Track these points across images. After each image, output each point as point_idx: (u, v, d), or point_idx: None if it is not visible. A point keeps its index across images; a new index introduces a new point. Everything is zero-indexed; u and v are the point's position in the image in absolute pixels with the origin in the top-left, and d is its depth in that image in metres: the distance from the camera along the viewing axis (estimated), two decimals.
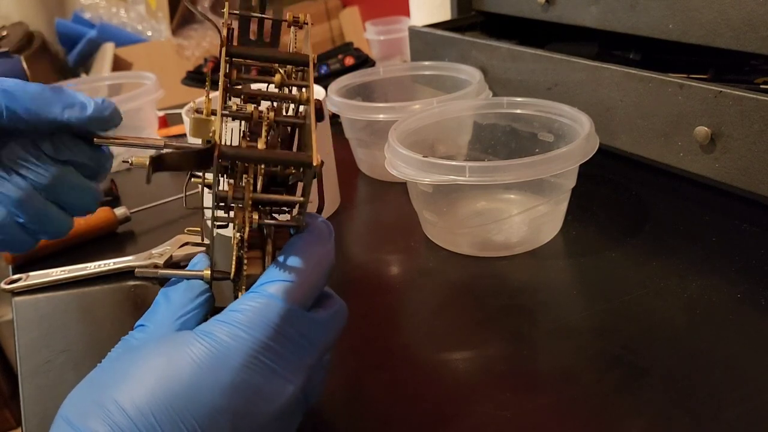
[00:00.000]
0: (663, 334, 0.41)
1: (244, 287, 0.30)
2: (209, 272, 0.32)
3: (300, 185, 0.31)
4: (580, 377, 0.38)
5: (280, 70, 0.32)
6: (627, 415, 0.35)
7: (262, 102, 0.32)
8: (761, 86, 0.57)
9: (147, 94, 0.76)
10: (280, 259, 0.30)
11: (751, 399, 0.35)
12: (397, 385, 0.39)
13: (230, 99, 0.31)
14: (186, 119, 0.56)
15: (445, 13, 0.88)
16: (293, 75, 0.33)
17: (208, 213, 0.32)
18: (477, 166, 0.46)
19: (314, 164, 0.28)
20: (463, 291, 0.48)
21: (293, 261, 0.30)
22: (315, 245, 0.31)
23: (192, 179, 0.34)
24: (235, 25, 0.31)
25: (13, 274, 0.55)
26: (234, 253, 0.31)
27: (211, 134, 0.31)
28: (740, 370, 0.37)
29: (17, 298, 0.53)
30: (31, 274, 0.54)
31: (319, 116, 0.30)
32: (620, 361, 0.39)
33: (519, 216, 0.52)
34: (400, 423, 0.37)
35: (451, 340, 0.43)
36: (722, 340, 0.40)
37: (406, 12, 1.02)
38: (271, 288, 0.28)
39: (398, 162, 0.50)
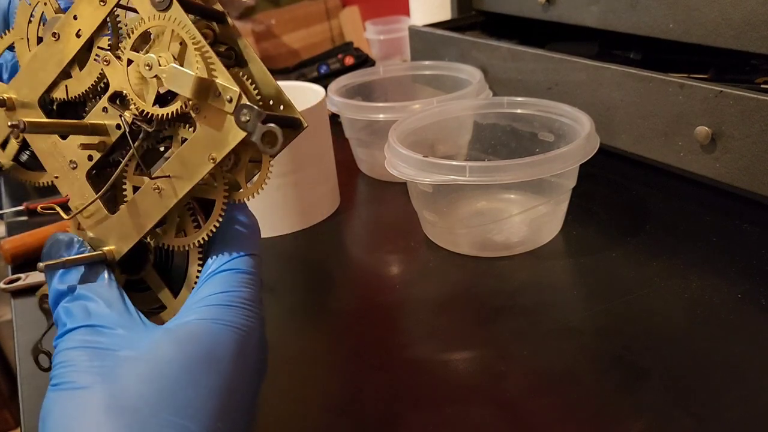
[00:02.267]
0: (664, 334, 0.41)
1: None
2: (108, 250, 0.28)
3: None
4: (580, 377, 0.38)
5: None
6: (627, 415, 0.35)
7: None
8: (762, 86, 0.57)
9: None
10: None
11: (752, 399, 0.35)
12: (397, 385, 0.39)
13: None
14: None
15: (445, 13, 0.88)
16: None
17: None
18: (477, 166, 0.46)
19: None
20: (463, 291, 0.48)
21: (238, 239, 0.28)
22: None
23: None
24: None
25: (13, 274, 0.55)
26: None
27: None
28: (741, 370, 0.37)
29: (16, 299, 0.53)
30: (31, 274, 0.54)
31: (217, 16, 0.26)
32: (621, 361, 0.39)
33: (519, 216, 0.52)
34: (400, 423, 0.37)
35: (451, 340, 0.43)
36: (723, 340, 0.40)
37: (406, 12, 1.02)
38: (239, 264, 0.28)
39: (398, 162, 0.50)
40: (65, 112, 0.29)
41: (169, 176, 0.26)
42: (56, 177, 0.28)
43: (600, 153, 0.50)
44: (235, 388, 0.25)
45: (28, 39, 0.28)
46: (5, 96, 0.28)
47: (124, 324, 0.25)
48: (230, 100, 0.25)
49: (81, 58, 0.28)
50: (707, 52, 0.55)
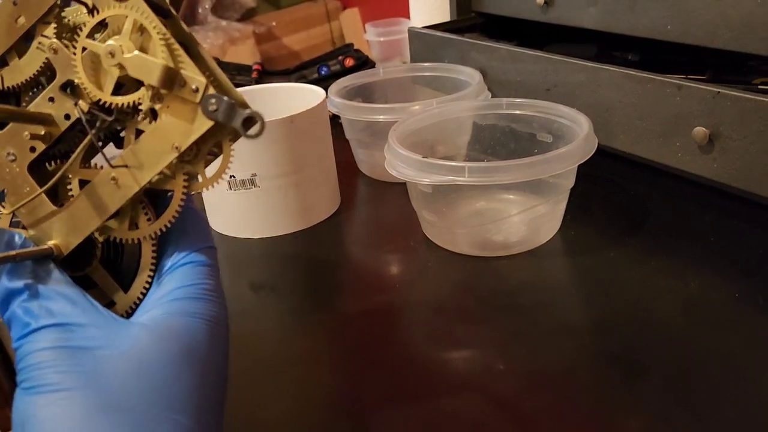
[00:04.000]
0: (662, 333, 0.41)
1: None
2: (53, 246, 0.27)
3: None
4: (579, 376, 0.39)
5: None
6: (626, 414, 0.35)
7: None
8: (759, 87, 0.57)
9: None
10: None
11: (750, 397, 0.35)
12: (396, 385, 0.40)
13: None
14: None
15: (444, 15, 0.88)
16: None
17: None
18: (476, 167, 0.47)
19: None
20: (462, 291, 0.48)
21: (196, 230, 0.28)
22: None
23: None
24: None
25: None
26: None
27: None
28: (739, 369, 0.38)
29: None
30: None
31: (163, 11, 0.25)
32: (619, 360, 0.39)
33: (518, 216, 0.52)
34: (400, 423, 0.37)
35: (451, 339, 0.43)
36: (721, 339, 0.40)
37: (406, 13, 1.02)
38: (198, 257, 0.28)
39: (398, 163, 0.50)
40: None
41: (127, 166, 0.25)
42: None
43: (598, 153, 0.50)
44: (213, 379, 0.25)
45: None
46: None
47: (93, 321, 0.24)
48: (196, 90, 0.24)
49: (19, 47, 0.26)
50: (705, 54, 0.55)
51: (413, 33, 0.83)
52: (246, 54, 1.90)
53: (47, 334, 0.24)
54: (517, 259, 0.51)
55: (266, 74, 0.91)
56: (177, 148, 0.25)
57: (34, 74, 0.26)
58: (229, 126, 0.24)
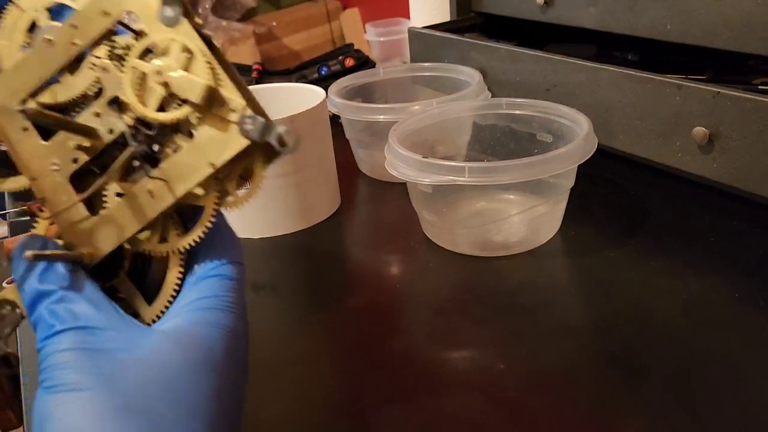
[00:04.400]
0: (662, 333, 0.41)
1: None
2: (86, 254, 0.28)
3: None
4: (579, 376, 0.39)
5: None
6: (627, 415, 0.35)
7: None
8: (759, 87, 0.57)
9: None
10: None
11: (750, 398, 0.35)
12: (397, 386, 0.40)
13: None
14: None
15: (444, 15, 0.88)
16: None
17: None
18: (476, 167, 0.47)
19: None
20: (462, 291, 0.49)
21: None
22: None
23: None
24: None
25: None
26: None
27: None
28: (739, 370, 0.38)
29: None
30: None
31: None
32: (619, 361, 0.39)
33: (518, 216, 0.52)
34: (400, 423, 0.37)
35: (451, 339, 0.43)
36: (721, 340, 0.40)
37: (406, 14, 1.02)
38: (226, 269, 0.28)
39: (398, 163, 0.50)
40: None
41: (163, 179, 0.26)
42: (33, 179, 0.28)
43: (598, 153, 0.50)
44: (229, 389, 0.26)
45: (16, 44, 0.29)
46: None
47: (115, 325, 0.25)
48: (234, 110, 0.26)
49: (73, 65, 0.28)
50: (705, 54, 0.55)
51: (413, 33, 0.83)
52: (246, 54, 1.90)
53: (69, 336, 0.24)
54: (517, 259, 0.51)
55: (266, 74, 0.91)
56: (212, 164, 0.26)
57: (84, 91, 0.28)
58: (263, 143, 0.25)
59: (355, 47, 0.96)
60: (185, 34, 0.26)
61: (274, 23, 2.12)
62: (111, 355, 0.24)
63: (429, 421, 0.36)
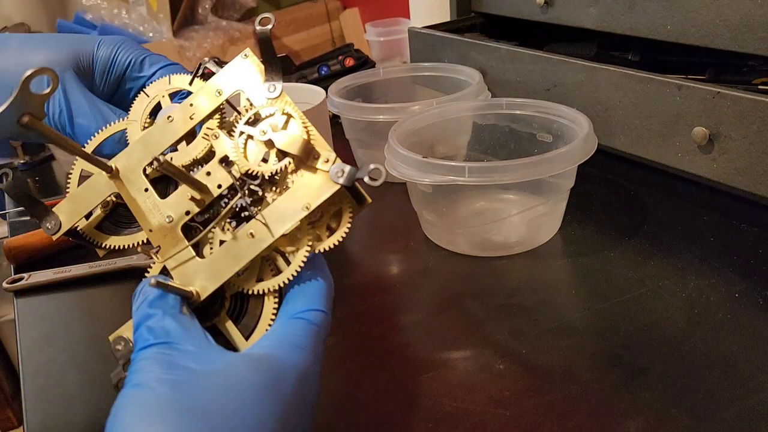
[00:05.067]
0: (661, 333, 0.41)
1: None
2: (196, 293, 0.31)
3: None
4: (579, 376, 0.39)
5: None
6: (626, 414, 0.35)
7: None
8: (759, 87, 0.57)
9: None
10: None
11: (749, 398, 0.36)
12: (397, 385, 0.40)
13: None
14: None
15: (444, 15, 0.88)
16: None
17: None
18: (476, 167, 0.47)
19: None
20: (462, 291, 0.49)
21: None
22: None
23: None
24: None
25: (15, 273, 0.56)
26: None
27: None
28: (738, 369, 0.38)
29: (19, 298, 0.53)
30: (33, 273, 0.54)
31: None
32: (619, 360, 0.39)
33: (518, 216, 0.52)
34: (400, 423, 0.37)
35: (451, 339, 0.43)
36: (720, 339, 0.40)
37: (406, 13, 1.02)
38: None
39: (398, 162, 0.50)
40: (155, 185, 0.33)
41: (264, 223, 0.31)
42: (150, 231, 0.32)
43: (598, 153, 0.50)
44: (291, 418, 0.27)
45: (141, 124, 0.35)
46: (115, 165, 0.33)
47: (197, 344, 0.28)
48: (327, 161, 0.31)
49: (188, 136, 0.33)
50: (705, 54, 0.55)
51: (413, 33, 0.83)
52: None
53: (157, 348, 0.27)
54: (517, 259, 0.51)
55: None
56: (307, 207, 0.31)
57: (196, 157, 0.33)
58: (352, 188, 0.31)
59: (355, 47, 0.96)
60: (284, 103, 0.32)
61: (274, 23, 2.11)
62: (186, 366, 0.26)
63: (429, 421, 0.36)
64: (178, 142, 0.33)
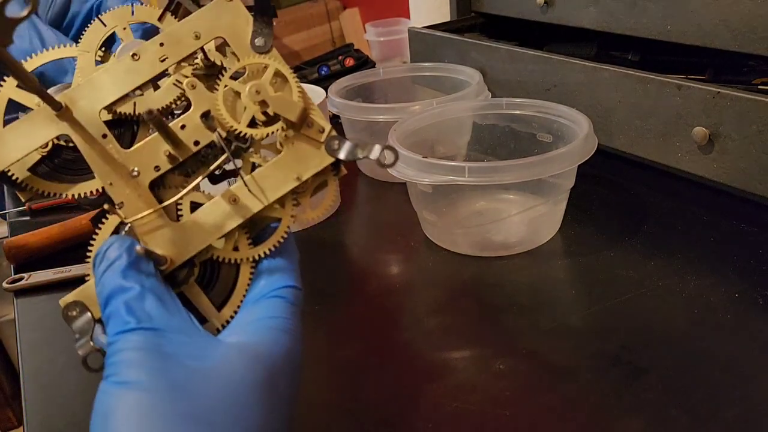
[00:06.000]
0: (661, 333, 0.41)
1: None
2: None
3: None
4: (579, 376, 0.39)
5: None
6: (626, 414, 0.35)
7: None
8: (759, 87, 0.57)
9: None
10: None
11: (749, 398, 0.36)
12: (397, 386, 0.40)
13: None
14: None
15: (444, 15, 0.88)
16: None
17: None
18: (476, 167, 0.47)
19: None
20: (462, 291, 0.49)
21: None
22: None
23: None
24: None
25: (15, 273, 0.56)
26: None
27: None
28: (738, 370, 0.38)
29: (19, 298, 0.53)
30: (33, 273, 0.54)
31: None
32: (619, 361, 0.39)
33: (518, 216, 0.52)
34: (400, 423, 0.37)
35: (451, 339, 0.43)
36: (720, 340, 0.40)
37: (406, 13, 1.02)
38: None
39: (398, 162, 0.50)
40: (115, 128, 0.30)
41: (250, 189, 0.29)
42: (110, 184, 0.29)
43: (598, 153, 0.50)
44: (287, 410, 0.26)
45: (98, 56, 0.31)
46: (65, 102, 0.29)
47: (186, 331, 0.26)
48: (322, 131, 0.29)
49: (156, 80, 0.30)
50: (705, 54, 0.55)
51: (413, 33, 0.83)
52: None
53: (143, 336, 0.25)
54: (517, 259, 0.51)
55: None
56: (298, 178, 0.29)
57: (166, 105, 0.30)
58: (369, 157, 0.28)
59: (355, 47, 0.96)
60: (275, 60, 0.29)
61: (274, 23, 2.11)
62: (180, 362, 0.24)
63: (429, 421, 0.36)
64: (145, 85, 0.30)
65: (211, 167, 0.29)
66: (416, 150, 0.50)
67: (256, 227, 0.30)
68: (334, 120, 0.67)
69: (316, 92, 0.61)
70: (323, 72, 0.91)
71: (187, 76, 0.30)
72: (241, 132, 0.29)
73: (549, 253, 0.52)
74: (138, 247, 0.27)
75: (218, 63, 0.33)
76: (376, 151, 0.28)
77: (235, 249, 0.29)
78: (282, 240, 0.29)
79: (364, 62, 0.93)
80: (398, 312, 0.48)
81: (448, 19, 0.86)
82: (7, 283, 0.54)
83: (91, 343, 0.27)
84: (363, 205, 0.64)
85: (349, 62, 0.91)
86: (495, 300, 0.47)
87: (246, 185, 0.29)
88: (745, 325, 0.41)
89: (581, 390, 0.38)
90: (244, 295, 0.29)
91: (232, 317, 0.29)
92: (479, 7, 0.82)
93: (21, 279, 0.54)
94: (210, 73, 0.32)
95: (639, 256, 0.49)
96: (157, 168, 0.29)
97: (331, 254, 0.56)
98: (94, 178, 0.29)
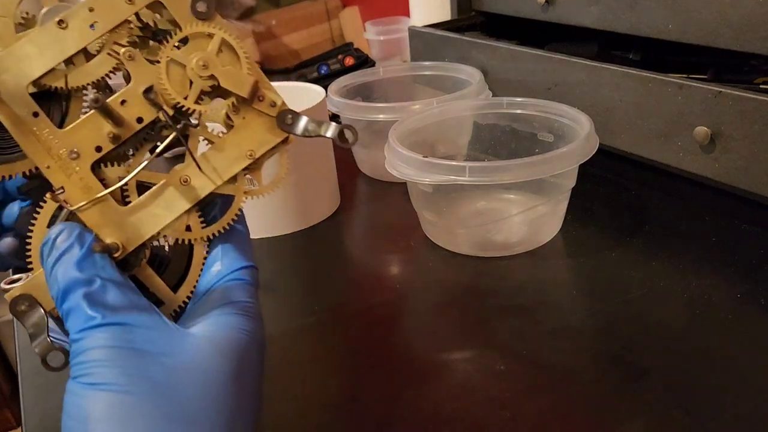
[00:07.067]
0: (663, 334, 0.41)
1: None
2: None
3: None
4: (580, 377, 0.38)
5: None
6: (627, 415, 0.35)
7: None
8: (761, 86, 0.57)
9: None
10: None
11: (750, 399, 0.35)
12: (397, 386, 0.40)
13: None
14: None
15: (444, 14, 0.88)
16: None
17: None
18: (477, 166, 0.47)
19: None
20: (462, 291, 0.48)
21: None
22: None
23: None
24: None
25: (14, 274, 0.55)
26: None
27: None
28: (740, 370, 0.37)
29: None
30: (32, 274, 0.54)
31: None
32: (620, 361, 0.39)
33: (519, 216, 0.52)
34: (400, 423, 0.37)
35: (451, 340, 0.43)
36: (722, 340, 0.40)
37: (406, 12, 1.02)
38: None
39: (398, 162, 0.50)
40: (42, 103, 0.27)
41: (201, 169, 0.27)
42: (47, 167, 0.27)
43: (599, 153, 0.50)
44: (258, 389, 0.26)
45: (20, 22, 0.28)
46: None
47: (154, 325, 0.25)
48: (273, 105, 0.28)
49: (88, 50, 0.27)
50: (706, 53, 0.55)
51: (413, 32, 0.83)
52: None
53: (110, 332, 0.23)
54: (518, 259, 0.51)
55: (266, 73, 0.90)
56: (251, 155, 0.28)
57: (100, 78, 0.27)
58: (327, 135, 0.27)
59: (355, 46, 0.96)
60: (220, 28, 0.27)
61: (273, 22, 2.11)
62: (156, 358, 0.23)
63: (429, 422, 0.36)
64: (76, 55, 0.27)
65: (159, 149, 0.27)
66: (416, 149, 0.50)
67: (207, 203, 0.29)
68: (335, 119, 0.67)
69: (315, 91, 0.60)
70: (323, 71, 0.90)
71: (123, 45, 0.27)
72: (188, 108, 0.27)
73: (550, 253, 0.52)
74: (94, 244, 0.25)
75: (152, 25, 0.30)
76: (332, 130, 0.27)
77: (188, 229, 0.28)
78: (236, 217, 0.28)
79: (364, 61, 0.93)
80: (398, 312, 0.48)
81: (449, 18, 0.86)
82: (5, 283, 0.54)
83: (49, 339, 0.26)
84: (363, 205, 0.64)
85: (349, 61, 0.91)
86: (495, 300, 0.46)
87: (198, 166, 0.27)
88: (747, 326, 0.41)
89: (582, 390, 0.37)
90: (199, 275, 0.28)
91: (188, 298, 0.28)
92: (480, 5, 0.82)
93: (19, 279, 0.54)
94: (143, 36, 0.29)
95: (640, 256, 0.49)
96: (98, 149, 0.27)
97: (331, 254, 0.56)
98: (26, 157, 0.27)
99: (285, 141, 0.28)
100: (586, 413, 0.36)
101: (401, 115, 0.59)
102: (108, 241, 0.27)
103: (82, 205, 0.27)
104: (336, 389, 0.40)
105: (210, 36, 0.27)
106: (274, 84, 0.29)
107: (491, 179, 0.46)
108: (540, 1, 0.69)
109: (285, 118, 0.28)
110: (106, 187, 0.27)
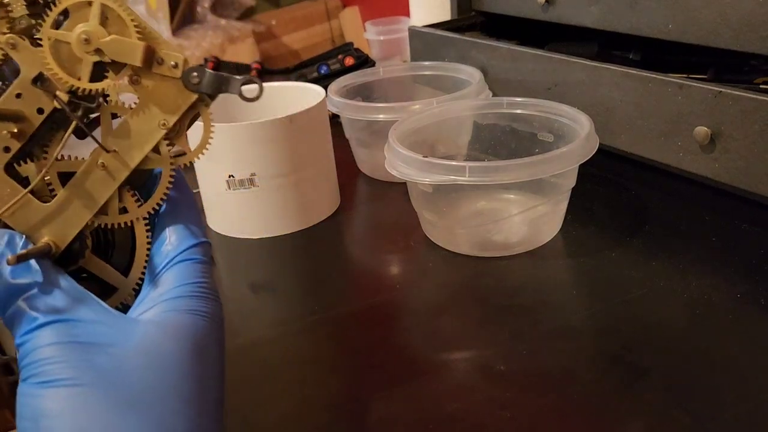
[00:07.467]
0: (663, 334, 0.41)
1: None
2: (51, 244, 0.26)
3: None
4: (580, 377, 0.38)
5: None
6: (627, 415, 0.35)
7: None
8: (761, 86, 0.57)
9: None
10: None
11: (750, 399, 0.35)
12: (397, 386, 0.40)
13: None
14: None
15: (445, 14, 0.88)
16: None
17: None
18: (477, 166, 0.47)
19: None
20: (462, 291, 0.48)
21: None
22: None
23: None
24: None
25: None
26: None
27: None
28: (740, 370, 0.37)
29: None
30: None
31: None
32: (620, 361, 0.39)
33: (519, 216, 0.52)
34: (400, 423, 0.37)
35: (451, 340, 0.43)
36: (722, 340, 0.40)
37: (406, 12, 1.02)
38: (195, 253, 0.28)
39: (398, 162, 0.50)
40: None
41: (116, 150, 0.26)
42: None
43: (599, 153, 0.50)
44: (217, 373, 0.26)
45: None
46: None
47: (99, 317, 0.24)
48: (175, 66, 0.25)
49: None
50: (706, 53, 0.55)
51: (413, 32, 0.83)
52: (245, 53, 1.90)
53: (54, 329, 0.23)
54: (518, 259, 0.51)
55: (266, 73, 0.91)
56: (164, 125, 0.26)
57: None
58: (230, 91, 0.25)
59: (355, 46, 0.96)
60: None
61: (274, 22, 2.12)
62: (102, 349, 0.23)
63: (429, 422, 0.36)
64: None
65: (63, 140, 0.26)
66: (416, 149, 0.50)
67: (140, 178, 0.28)
68: (334, 119, 0.67)
69: (315, 91, 0.60)
70: (323, 71, 0.90)
71: (4, 33, 0.25)
72: (85, 89, 0.25)
73: (550, 253, 0.52)
74: (10, 258, 0.24)
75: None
76: (236, 85, 0.25)
77: (124, 211, 0.27)
78: (168, 188, 0.27)
79: (364, 61, 0.92)
80: (398, 312, 0.48)
81: (449, 18, 0.86)
82: None
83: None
84: (363, 205, 0.64)
85: (349, 61, 0.91)
86: (495, 300, 0.46)
87: (104, 149, 0.26)
88: (747, 326, 0.41)
89: (582, 391, 0.37)
90: (147, 253, 0.27)
91: (141, 278, 0.28)
92: (480, 5, 0.82)
93: None
94: (34, 12, 0.26)
95: (640, 256, 0.49)
96: (6, 149, 0.26)
97: (331, 254, 0.56)
98: None
99: (202, 102, 0.26)
100: (586, 413, 0.36)
101: (401, 115, 0.59)
102: (43, 240, 0.26)
103: (4, 211, 0.26)
104: (336, 389, 0.40)
105: (90, 4, 0.25)
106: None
107: (491, 179, 0.46)
108: (540, 1, 0.69)
109: (191, 78, 0.25)
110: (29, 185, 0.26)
